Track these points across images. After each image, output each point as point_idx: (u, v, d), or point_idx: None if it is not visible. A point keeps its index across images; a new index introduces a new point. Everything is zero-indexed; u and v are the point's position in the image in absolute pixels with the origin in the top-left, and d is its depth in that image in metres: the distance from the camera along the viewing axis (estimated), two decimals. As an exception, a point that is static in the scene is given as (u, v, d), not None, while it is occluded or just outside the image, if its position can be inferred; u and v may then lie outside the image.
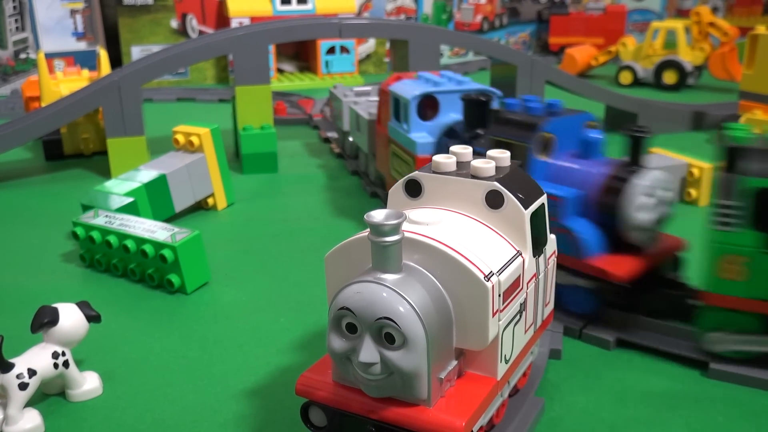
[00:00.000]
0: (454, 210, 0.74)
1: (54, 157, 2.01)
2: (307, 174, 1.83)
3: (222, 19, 3.23)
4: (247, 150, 1.82)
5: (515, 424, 0.78)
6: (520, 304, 0.71)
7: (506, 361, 0.70)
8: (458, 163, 0.77)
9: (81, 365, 0.91)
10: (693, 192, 1.53)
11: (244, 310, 1.10)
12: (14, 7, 3.01)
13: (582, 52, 3.25)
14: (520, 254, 0.71)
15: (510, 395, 0.82)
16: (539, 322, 0.79)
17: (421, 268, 0.66)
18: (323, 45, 3.22)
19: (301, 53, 3.43)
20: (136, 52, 3.18)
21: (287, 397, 0.86)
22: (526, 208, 0.72)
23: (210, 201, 1.56)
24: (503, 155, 0.77)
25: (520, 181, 0.75)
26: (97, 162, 1.97)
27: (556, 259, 0.81)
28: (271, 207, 1.59)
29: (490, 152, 0.77)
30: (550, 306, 0.82)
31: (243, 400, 0.86)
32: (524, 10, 3.98)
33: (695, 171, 1.52)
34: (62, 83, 2.01)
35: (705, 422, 0.81)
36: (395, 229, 0.62)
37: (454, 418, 0.62)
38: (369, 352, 0.62)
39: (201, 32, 3.26)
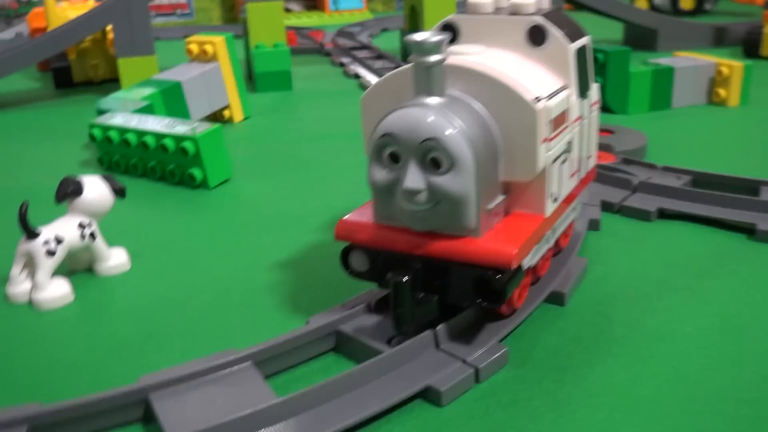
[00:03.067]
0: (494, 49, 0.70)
1: (64, 84, 1.97)
2: (322, 91, 1.80)
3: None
4: (261, 68, 1.78)
5: (560, 278, 0.75)
6: (567, 143, 0.68)
7: (554, 200, 0.67)
8: (497, 8, 0.73)
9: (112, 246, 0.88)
10: (722, 92, 1.49)
11: (270, 199, 1.08)
12: (15, -53, 2.95)
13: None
14: (567, 88, 0.67)
15: (553, 255, 0.79)
16: (583, 173, 0.76)
17: (466, 97, 0.63)
18: (331, -19, 3.15)
19: (307, -9, 3.36)
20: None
21: (321, 267, 0.84)
22: (570, 42, 0.68)
23: (226, 113, 1.53)
24: (546, -3, 0.73)
25: (562, 19, 0.71)
26: (106, 88, 1.93)
27: (599, 108, 0.77)
28: (288, 119, 1.56)
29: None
30: (593, 160, 0.79)
31: (275, 270, 0.84)
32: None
33: (724, 69, 1.48)
34: (69, 11, 1.97)
35: (754, 273, 0.78)
36: (437, 46, 0.58)
37: (505, 246, 0.60)
38: (414, 178, 0.59)
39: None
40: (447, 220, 0.60)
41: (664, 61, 1.51)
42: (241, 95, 1.53)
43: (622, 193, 0.98)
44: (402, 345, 0.62)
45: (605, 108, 1.47)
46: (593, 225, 0.91)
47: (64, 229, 0.80)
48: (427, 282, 0.63)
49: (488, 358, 0.62)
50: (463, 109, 0.61)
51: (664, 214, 0.94)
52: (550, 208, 0.66)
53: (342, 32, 2.62)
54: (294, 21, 3.06)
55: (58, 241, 0.79)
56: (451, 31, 0.73)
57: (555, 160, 0.65)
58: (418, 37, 0.59)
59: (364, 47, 2.28)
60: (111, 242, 0.89)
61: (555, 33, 0.68)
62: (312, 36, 2.56)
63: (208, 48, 1.46)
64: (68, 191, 0.82)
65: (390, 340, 0.65)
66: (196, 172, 1.11)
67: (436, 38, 0.58)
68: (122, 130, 1.18)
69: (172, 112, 1.38)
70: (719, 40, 2.18)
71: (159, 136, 1.13)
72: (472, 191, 0.59)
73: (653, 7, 2.96)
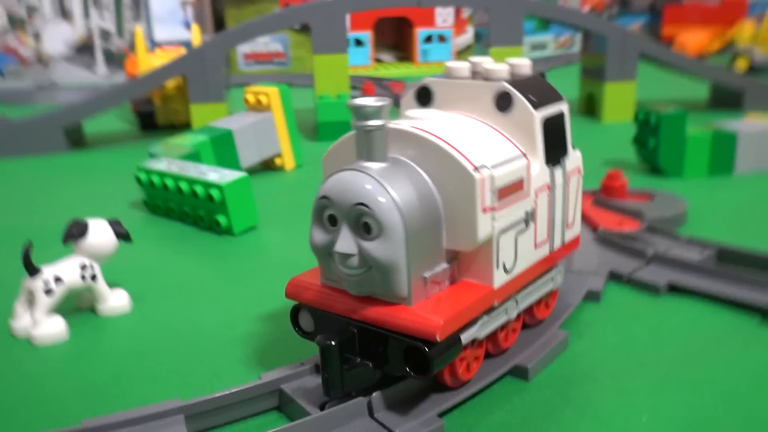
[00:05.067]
0: (463, 114, 0.69)
1: (148, 127, 2.10)
2: (381, 143, 1.82)
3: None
4: (323, 118, 1.83)
5: (530, 351, 0.72)
6: (526, 212, 0.66)
7: (506, 271, 0.64)
8: (474, 72, 0.72)
9: (116, 287, 0.92)
10: (791, 159, 1.39)
11: (287, 248, 1.10)
12: (131, -1, 3.20)
13: (694, 39, 3.05)
14: (525, 156, 0.65)
15: (530, 325, 0.76)
16: (558, 244, 0.72)
17: (411, 163, 0.62)
18: (420, 33, 3.20)
19: (400, 44, 3.43)
20: (242, 41, 3.29)
21: (302, 321, 0.84)
22: (536, 109, 0.66)
23: (278, 161, 1.58)
24: (524, 62, 0.72)
25: (536, 85, 0.70)
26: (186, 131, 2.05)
27: (581, 177, 0.74)
28: (337, 169, 1.59)
29: (510, 59, 0.72)
30: (575, 230, 0.76)
31: (258, 322, 0.85)
32: (636, 1, 3.80)
33: (794, 135, 1.38)
34: (159, 57, 2.11)
35: (749, 362, 0.71)
36: (377, 112, 0.59)
37: (432, 316, 0.58)
38: (346, 242, 0.59)
39: (305, 25, 3.33)
40: (379, 285, 0.60)
41: (730, 124, 1.43)
42: (294, 144, 1.58)
43: (635, 264, 0.93)
44: (330, 410, 0.61)
45: (659, 171, 1.40)
46: (593, 296, 0.86)
47: (65, 270, 0.85)
48: (365, 347, 0.62)
49: (420, 431, 0.60)
50: (404, 174, 0.60)
51: (675, 289, 0.88)
52: (499, 279, 0.64)
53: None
54: (382, 71, 3.13)
55: (57, 280, 0.84)
56: (426, 94, 0.73)
57: (506, 230, 0.63)
58: (358, 102, 0.59)
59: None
60: (124, 282, 0.94)
61: (521, 100, 0.67)
62: (390, 87, 2.61)
63: (263, 98, 1.52)
64: (73, 233, 0.87)
65: (323, 405, 0.64)
66: (222, 219, 1.15)
67: (376, 104, 0.59)
68: (162, 175, 1.24)
69: (222, 158, 1.44)
70: (815, 102, 2.04)
71: (191, 182, 1.18)
72: (402, 258, 0.58)
73: (753, 67, 2.80)
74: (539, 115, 0.67)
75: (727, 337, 0.77)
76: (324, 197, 0.60)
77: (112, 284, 0.91)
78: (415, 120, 0.65)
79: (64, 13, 3.21)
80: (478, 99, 0.69)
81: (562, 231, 0.73)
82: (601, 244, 0.99)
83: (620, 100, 1.95)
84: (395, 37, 3.44)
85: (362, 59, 3.21)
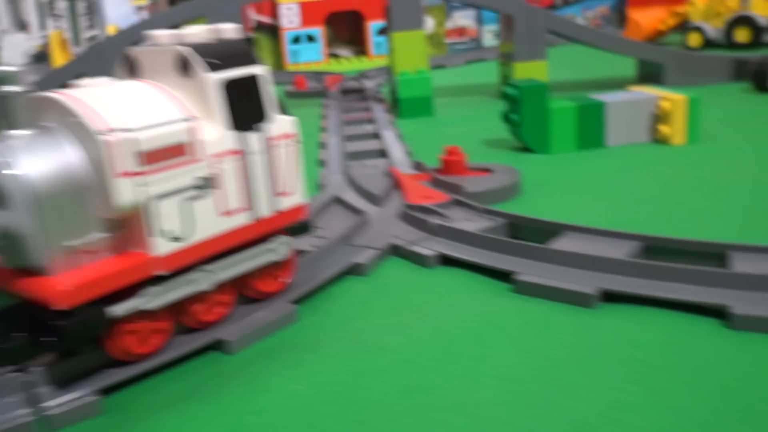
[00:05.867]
0: (156, 81, 0.68)
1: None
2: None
3: (275, 7, 3.28)
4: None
5: (239, 324, 0.70)
6: (198, 178, 0.64)
7: (174, 239, 0.63)
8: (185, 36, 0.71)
9: None
10: (664, 128, 1.34)
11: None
12: (86, 7, 3.24)
13: (648, 16, 2.98)
14: (191, 120, 0.63)
15: (258, 300, 0.74)
16: (265, 212, 0.70)
17: (60, 130, 0.61)
18: (373, 26, 3.18)
19: (357, 38, 3.41)
20: (197, 43, 3.31)
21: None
22: (214, 72, 0.65)
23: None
24: (228, 27, 0.70)
25: (224, 49, 0.68)
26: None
27: (296, 143, 0.72)
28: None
29: (218, 24, 0.71)
30: (295, 198, 0.73)
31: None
32: (603, -17, 3.73)
33: (665, 104, 1.33)
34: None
35: (476, 326, 0.69)
36: (8, 78, 0.57)
37: (59, 284, 0.57)
38: (-23, 212, 0.57)
39: (259, 23, 3.33)
40: (19, 256, 0.58)
41: (601, 96, 1.39)
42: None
43: (421, 236, 0.90)
44: (-20, 385, 0.60)
45: (525, 147, 1.37)
46: (357, 269, 0.84)
47: None
48: (30, 321, 0.61)
49: (69, 406, 0.59)
50: (45, 142, 0.59)
51: (450, 261, 0.85)
52: (162, 247, 0.62)
53: (364, 75, 2.63)
54: (335, 67, 3.12)
55: None
56: (130, 62, 0.72)
57: (167, 195, 0.62)
58: (-8, 70, 0.58)
59: (355, 91, 2.27)
60: None
61: (197, 64, 0.65)
62: (328, 80, 2.59)
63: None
64: None
65: (-13, 380, 0.63)
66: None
67: (6, 69, 0.58)
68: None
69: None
70: (739, 73, 1.98)
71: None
72: (32, 228, 0.57)
73: (707, 42, 2.73)
74: (216, 78, 0.65)
75: (467, 305, 0.74)
76: (-35, 168, 0.59)
77: None
78: (79, 88, 0.64)
79: (22, 25, 3.26)
80: (168, 65, 0.67)
81: (272, 199, 0.71)
82: (403, 218, 0.97)
83: (531, 81, 1.90)
84: (351, 32, 3.42)
85: (315, 55, 3.20)
